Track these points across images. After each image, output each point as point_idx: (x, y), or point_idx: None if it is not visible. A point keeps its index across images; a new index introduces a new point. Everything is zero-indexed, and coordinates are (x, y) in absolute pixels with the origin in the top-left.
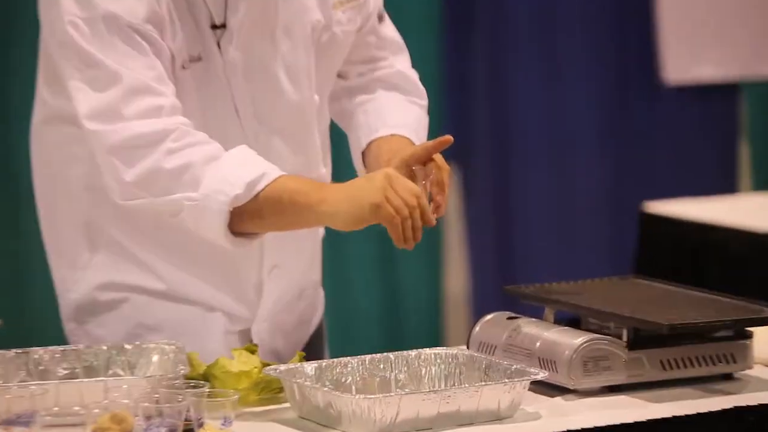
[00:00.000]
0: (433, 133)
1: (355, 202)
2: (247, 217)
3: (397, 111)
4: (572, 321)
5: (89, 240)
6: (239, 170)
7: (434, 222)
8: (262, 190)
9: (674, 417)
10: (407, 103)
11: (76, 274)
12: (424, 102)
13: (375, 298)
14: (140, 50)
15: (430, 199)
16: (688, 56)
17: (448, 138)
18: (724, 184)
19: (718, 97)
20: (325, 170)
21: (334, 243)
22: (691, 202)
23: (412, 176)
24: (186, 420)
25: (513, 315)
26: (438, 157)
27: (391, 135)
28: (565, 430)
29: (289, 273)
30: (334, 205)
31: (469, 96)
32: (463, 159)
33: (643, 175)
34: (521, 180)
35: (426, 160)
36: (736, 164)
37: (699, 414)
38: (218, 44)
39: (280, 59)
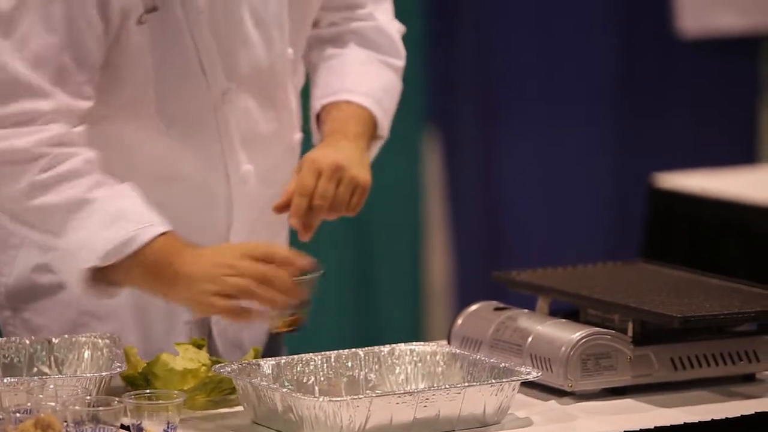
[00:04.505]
0: (409, 96)
1: (192, 297)
2: (113, 271)
3: (363, 74)
4: (569, 313)
5: None
6: (104, 232)
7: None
8: (125, 258)
9: (686, 424)
10: (378, 64)
11: (8, 254)
12: (400, 63)
13: (343, 285)
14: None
15: None
16: (705, 3)
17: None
18: (744, 154)
19: (737, 52)
20: (299, 136)
21: None
22: (707, 174)
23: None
24: (122, 426)
25: (501, 305)
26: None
27: (347, 102)
28: None
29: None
30: (179, 293)
31: (452, 51)
32: (444, 124)
33: (652, 143)
34: (510, 149)
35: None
36: (756, 130)
37: (715, 421)
38: None
39: (246, 5)
